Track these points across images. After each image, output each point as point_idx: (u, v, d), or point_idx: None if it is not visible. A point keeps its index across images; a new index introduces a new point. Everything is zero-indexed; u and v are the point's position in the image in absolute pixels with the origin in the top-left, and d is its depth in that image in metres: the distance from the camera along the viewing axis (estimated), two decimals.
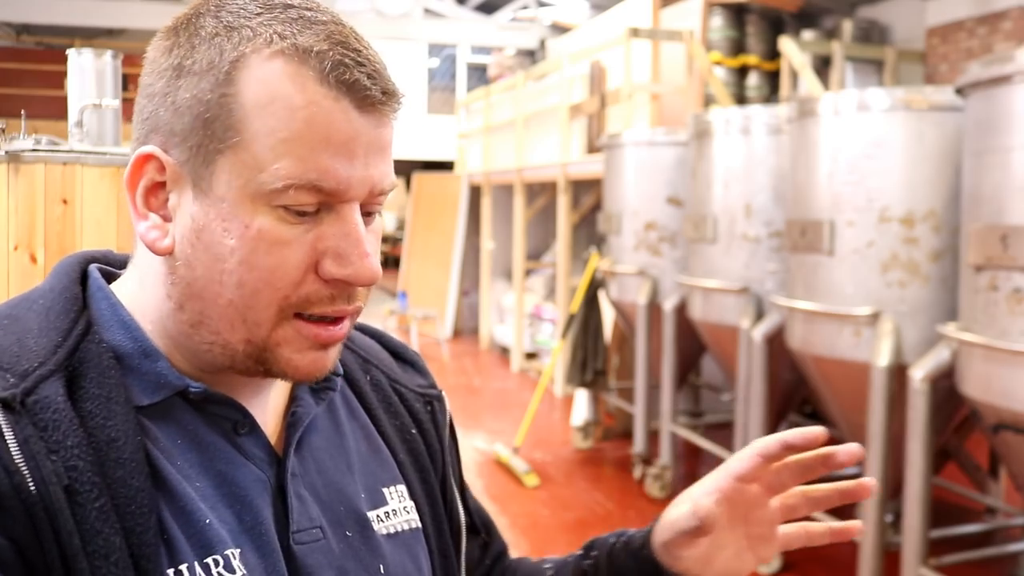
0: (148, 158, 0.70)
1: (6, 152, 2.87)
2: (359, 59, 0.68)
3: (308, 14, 0.69)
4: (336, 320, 0.72)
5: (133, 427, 0.66)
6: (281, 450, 0.76)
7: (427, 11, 12.50)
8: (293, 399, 0.79)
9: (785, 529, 0.87)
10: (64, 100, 3.51)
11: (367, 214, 0.72)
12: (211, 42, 0.68)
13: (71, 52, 3.47)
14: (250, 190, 0.67)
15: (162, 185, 0.71)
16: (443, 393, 0.96)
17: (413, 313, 9.16)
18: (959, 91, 2.87)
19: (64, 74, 3.52)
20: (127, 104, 3.71)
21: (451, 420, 0.96)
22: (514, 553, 1.03)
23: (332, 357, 0.73)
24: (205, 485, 0.70)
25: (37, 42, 11.26)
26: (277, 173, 0.66)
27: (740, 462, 0.82)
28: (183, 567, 0.65)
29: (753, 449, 0.82)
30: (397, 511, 0.82)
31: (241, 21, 0.68)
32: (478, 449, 5.69)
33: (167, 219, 0.71)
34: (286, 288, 0.68)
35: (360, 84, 0.67)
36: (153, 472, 0.67)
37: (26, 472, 0.60)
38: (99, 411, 0.66)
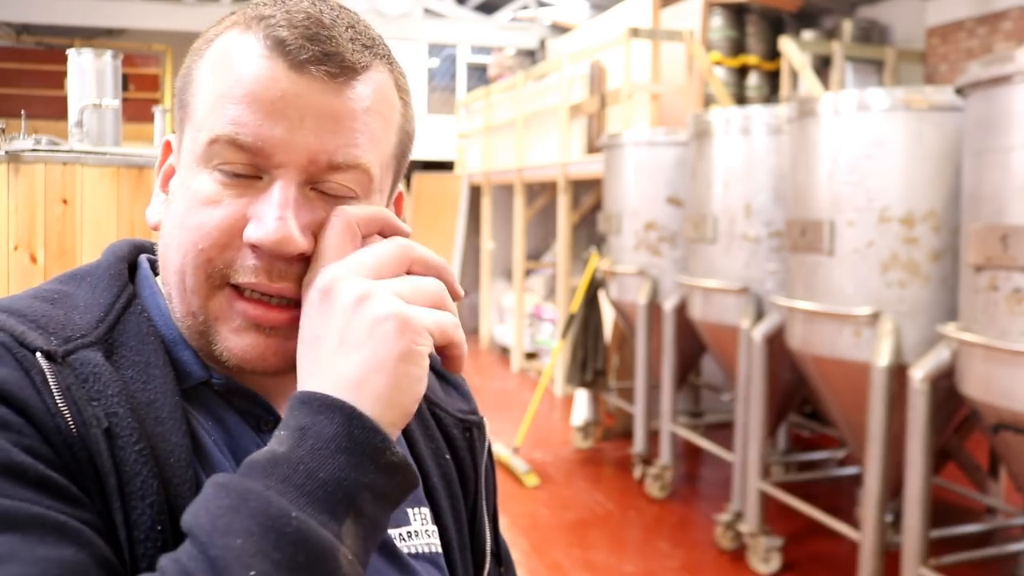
0: (167, 145, 0.76)
1: (6, 152, 2.87)
2: (307, 23, 0.67)
3: None
4: (271, 304, 0.69)
5: (172, 388, 0.67)
6: None
7: (427, 11, 12.49)
8: None
9: None
10: (64, 100, 3.51)
11: (326, 194, 0.69)
12: (206, 33, 0.73)
13: (71, 52, 3.48)
14: (194, 153, 0.69)
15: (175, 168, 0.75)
16: (484, 420, 0.94)
17: None
18: (959, 91, 2.87)
19: (64, 74, 3.52)
20: (127, 104, 3.71)
21: (489, 447, 0.94)
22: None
23: (275, 349, 0.70)
24: (231, 469, 0.70)
25: (37, 42, 11.25)
26: (207, 129, 0.67)
27: None
28: None
29: None
30: (419, 532, 0.81)
31: (237, 11, 0.72)
32: None
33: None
34: (209, 249, 0.67)
35: (294, 44, 0.66)
36: (192, 436, 0.68)
37: (67, 415, 0.61)
38: (138, 376, 0.67)
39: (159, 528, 0.61)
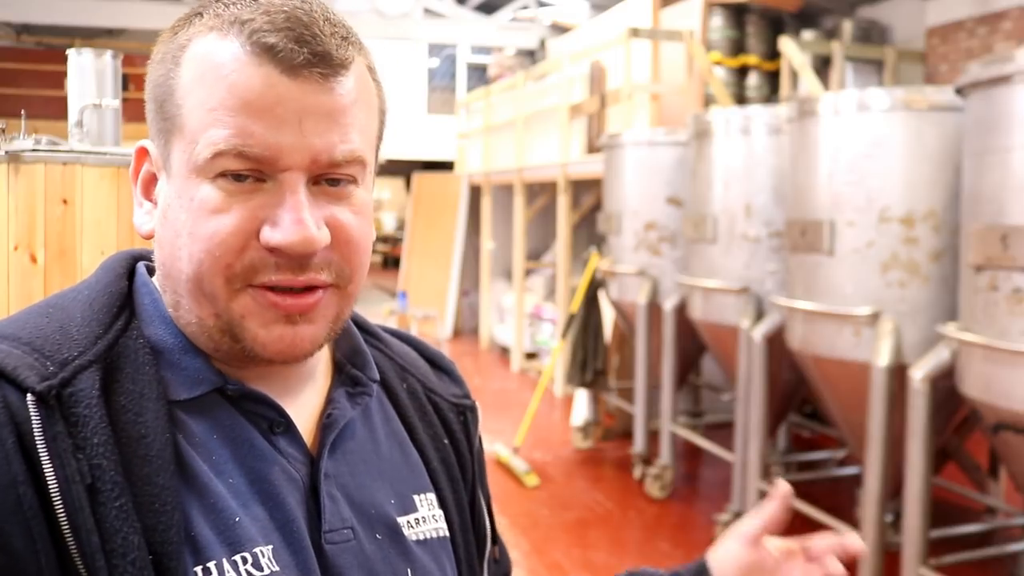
0: (142, 151, 0.75)
1: (6, 152, 2.87)
2: (289, 24, 0.67)
3: None
4: (298, 292, 0.70)
5: (163, 424, 0.67)
6: (315, 451, 0.76)
7: (427, 11, 12.49)
8: (329, 402, 0.80)
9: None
10: (64, 100, 3.50)
11: (331, 181, 0.71)
12: (174, 35, 0.71)
13: (71, 52, 3.47)
14: (192, 164, 0.69)
15: (156, 175, 0.74)
16: (476, 404, 0.95)
17: (413, 313, 9.16)
18: (959, 91, 2.87)
19: (64, 74, 3.52)
20: (127, 104, 3.72)
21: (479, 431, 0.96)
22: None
23: (305, 335, 0.71)
24: (239, 481, 0.70)
25: (37, 42, 11.26)
26: (206, 142, 0.67)
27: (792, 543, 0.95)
28: (211, 564, 0.66)
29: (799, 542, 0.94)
30: (426, 518, 0.82)
31: (203, 10, 0.70)
32: None
33: (156, 205, 0.74)
34: (226, 256, 0.68)
35: (282, 47, 0.66)
36: (184, 469, 0.68)
37: (50, 471, 0.61)
38: (131, 406, 0.66)
39: None
